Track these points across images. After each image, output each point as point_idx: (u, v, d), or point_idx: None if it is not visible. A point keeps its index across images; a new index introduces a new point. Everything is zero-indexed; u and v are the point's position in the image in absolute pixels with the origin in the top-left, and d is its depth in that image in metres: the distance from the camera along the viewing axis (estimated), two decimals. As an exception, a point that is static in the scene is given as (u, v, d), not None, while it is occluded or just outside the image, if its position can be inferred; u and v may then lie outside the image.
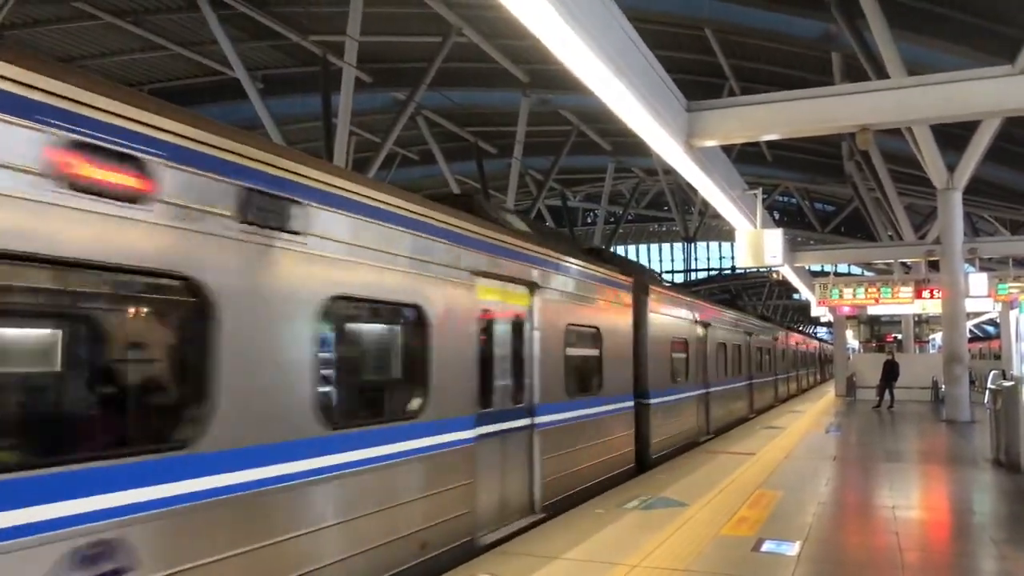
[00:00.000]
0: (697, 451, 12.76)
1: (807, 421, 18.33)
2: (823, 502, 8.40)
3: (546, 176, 25.90)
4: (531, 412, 7.90)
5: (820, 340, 53.99)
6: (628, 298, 11.02)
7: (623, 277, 10.98)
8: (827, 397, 28.76)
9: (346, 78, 16.55)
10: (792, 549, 6.24)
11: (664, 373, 12.61)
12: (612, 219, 37.14)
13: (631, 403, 10.93)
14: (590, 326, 9.58)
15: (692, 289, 28.04)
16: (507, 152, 23.80)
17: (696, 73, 18.69)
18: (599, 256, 11.78)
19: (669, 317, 13.09)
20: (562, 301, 8.71)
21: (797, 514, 7.64)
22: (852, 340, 48.71)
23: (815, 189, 34.78)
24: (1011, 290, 23.44)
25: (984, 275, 22.73)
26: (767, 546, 6.34)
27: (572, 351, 8.88)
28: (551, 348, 8.32)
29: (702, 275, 52.32)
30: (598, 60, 6.67)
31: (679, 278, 47.58)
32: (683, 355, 14.03)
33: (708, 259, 57.24)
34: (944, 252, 18.94)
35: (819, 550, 6.33)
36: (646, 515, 7.54)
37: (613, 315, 10.37)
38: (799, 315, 60.45)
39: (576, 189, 35.69)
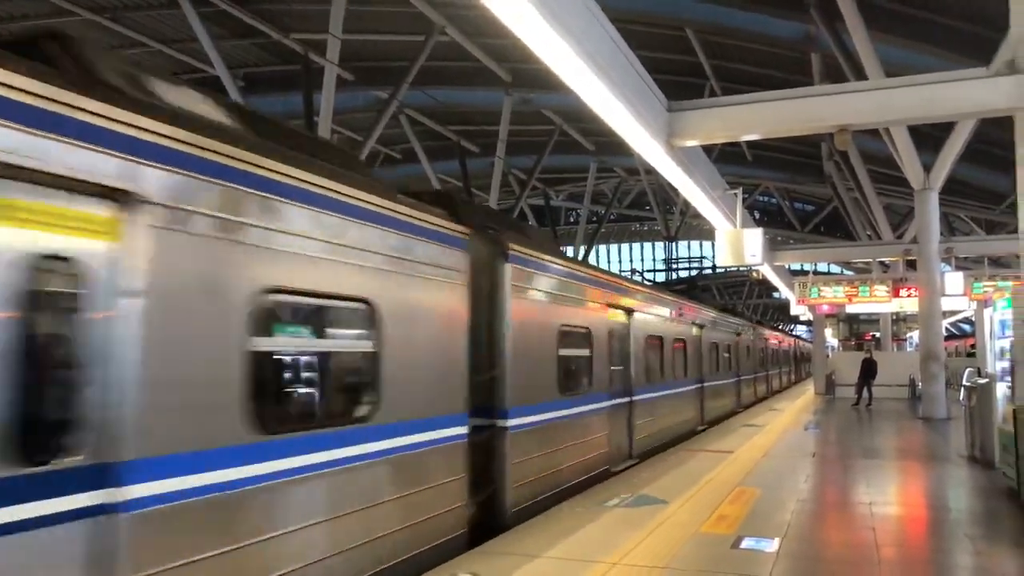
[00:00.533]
0: (676, 449, 12.83)
1: (786, 419, 18.49)
2: (802, 499, 8.48)
3: (529, 175, 25.95)
4: (104, 477, 3.56)
5: (795, 337, 53.95)
6: (461, 261, 6.87)
7: (444, 224, 6.64)
8: (806, 395, 29.01)
9: (328, 76, 16.49)
10: (771, 546, 6.30)
11: (544, 379, 8.72)
12: (594, 218, 37.25)
13: (460, 430, 6.70)
14: (346, 298, 5.38)
15: (675, 288, 27.65)
16: (490, 151, 23.83)
17: (677, 73, 18.78)
18: (430, 198, 7.23)
19: (556, 297, 9.17)
20: (243, 242, 4.41)
21: (776, 511, 7.71)
22: (831, 338, 49.10)
23: (795, 189, 35.10)
24: (986, 289, 23.72)
25: (960, 274, 23.04)
26: (746, 543, 6.40)
27: (277, 343, 4.96)
28: (190, 336, 4.07)
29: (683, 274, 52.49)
30: (579, 59, 6.69)
31: (660, 276, 47.78)
32: (585, 353, 10.19)
33: (689, 258, 57.49)
34: (921, 251, 19.18)
35: (798, 547, 6.40)
36: (626, 513, 7.58)
37: (417, 285, 6.17)
38: (779, 313, 60.91)
39: (559, 188, 35.76)
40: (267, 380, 4.75)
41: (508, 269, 7.82)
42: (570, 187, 36.01)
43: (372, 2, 16.52)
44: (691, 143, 10.60)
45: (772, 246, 25.06)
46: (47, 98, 3.36)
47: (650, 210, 38.43)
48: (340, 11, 15.43)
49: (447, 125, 23.75)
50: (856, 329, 52.46)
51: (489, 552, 6.14)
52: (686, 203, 21.20)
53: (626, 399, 11.88)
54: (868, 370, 22.97)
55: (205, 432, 4.14)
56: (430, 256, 6.37)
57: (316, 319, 5.39)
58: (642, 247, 57.60)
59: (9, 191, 3.26)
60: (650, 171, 24.05)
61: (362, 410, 5.55)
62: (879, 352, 29.43)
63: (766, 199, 39.32)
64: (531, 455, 8.06)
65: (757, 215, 38.31)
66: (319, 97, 16.62)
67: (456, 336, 6.85)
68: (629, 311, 12.22)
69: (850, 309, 29.63)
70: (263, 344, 4.61)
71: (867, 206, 26.54)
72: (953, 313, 36.69)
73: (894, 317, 37.50)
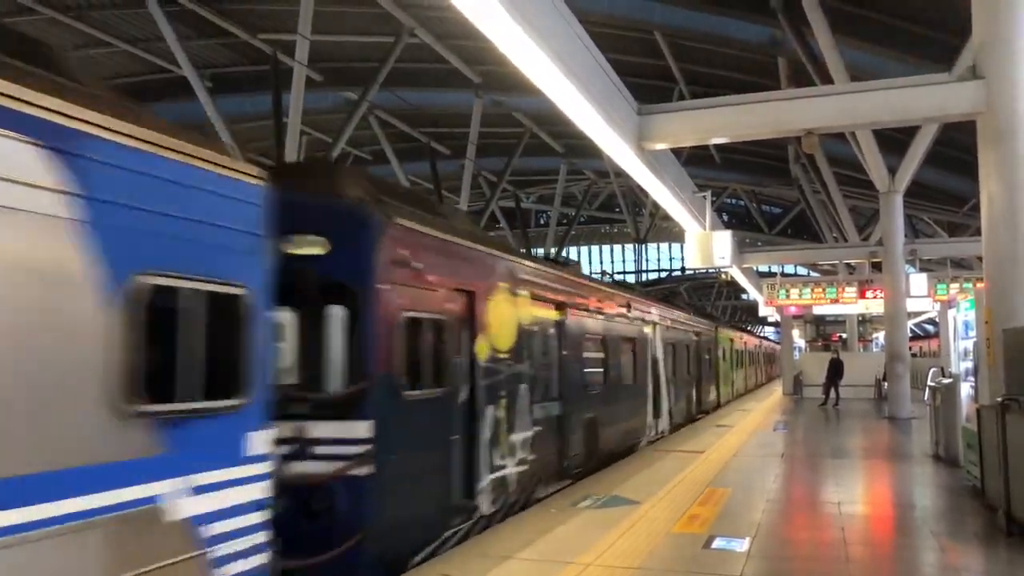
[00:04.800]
0: (648, 449, 12.90)
1: (755, 419, 18.66)
2: (771, 499, 8.55)
3: (499, 177, 25.93)
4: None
5: (739, 328, 39.15)
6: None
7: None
8: (775, 396, 29.32)
9: (297, 77, 16.34)
10: (742, 545, 6.35)
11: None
12: (565, 220, 37.34)
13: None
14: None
15: (650, 288, 27.03)
16: (460, 153, 23.75)
17: (646, 76, 18.89)
18: None
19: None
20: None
21: (747, 511, 7.77)
22: (799, 339, 49.60)
23: (762, 192, 35.46)
24: (952, 288, 24.15)
25: (924, 276, 23.40)
26: (718, 543, 6.44)
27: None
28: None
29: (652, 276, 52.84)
30: (549, 62, 6.70)
31: (631, 279, 48.01)
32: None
33: (659, 260, 57.88)
34: (886, 253, 19.48)
35: (768, 546, 6.46)
36: (599, 513, 7.60)
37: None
38: (747, 314, 61.49)
39: (529, 191, 35.77)
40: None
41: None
42: (540, 189, 36.07)
43: (341, 3, 16.40)
44: (661, 146, 10.67)
45: (740, 248, 25.30)
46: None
47: (620, 212, 38.63)
48: (308, 11, 15.29)
49: (417, 127, 23.65)
50: (823, 330, 53.16)
51: (463, 553, 6.12)
52: (655, 205, 21.30)
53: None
54: (835, 370, 23.27)
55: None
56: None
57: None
58: (612, 249, 57.87)
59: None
60: (620, 174, 24.24)
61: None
62: (846, 353, 29.81)
63: (734, 202, 39.68)
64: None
65: (725, 217, 38.70)
66: (288, 98, 16.47)
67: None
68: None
69: (817, 310, 30.04)
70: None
71: (833, 208, 26.91)
72: (917, 314, 37.27)
73: (860, 318, 38.02)
